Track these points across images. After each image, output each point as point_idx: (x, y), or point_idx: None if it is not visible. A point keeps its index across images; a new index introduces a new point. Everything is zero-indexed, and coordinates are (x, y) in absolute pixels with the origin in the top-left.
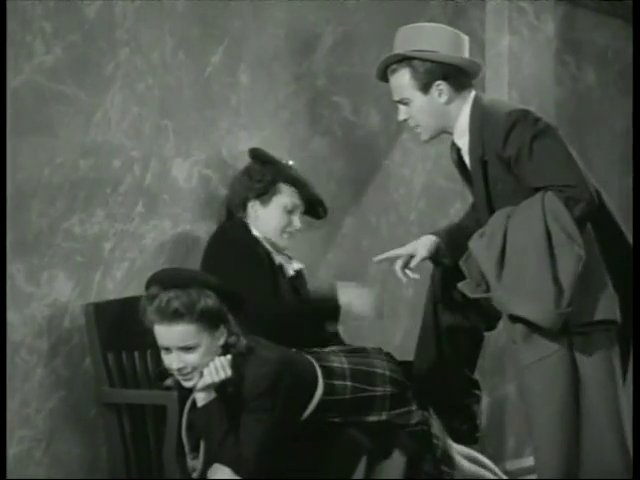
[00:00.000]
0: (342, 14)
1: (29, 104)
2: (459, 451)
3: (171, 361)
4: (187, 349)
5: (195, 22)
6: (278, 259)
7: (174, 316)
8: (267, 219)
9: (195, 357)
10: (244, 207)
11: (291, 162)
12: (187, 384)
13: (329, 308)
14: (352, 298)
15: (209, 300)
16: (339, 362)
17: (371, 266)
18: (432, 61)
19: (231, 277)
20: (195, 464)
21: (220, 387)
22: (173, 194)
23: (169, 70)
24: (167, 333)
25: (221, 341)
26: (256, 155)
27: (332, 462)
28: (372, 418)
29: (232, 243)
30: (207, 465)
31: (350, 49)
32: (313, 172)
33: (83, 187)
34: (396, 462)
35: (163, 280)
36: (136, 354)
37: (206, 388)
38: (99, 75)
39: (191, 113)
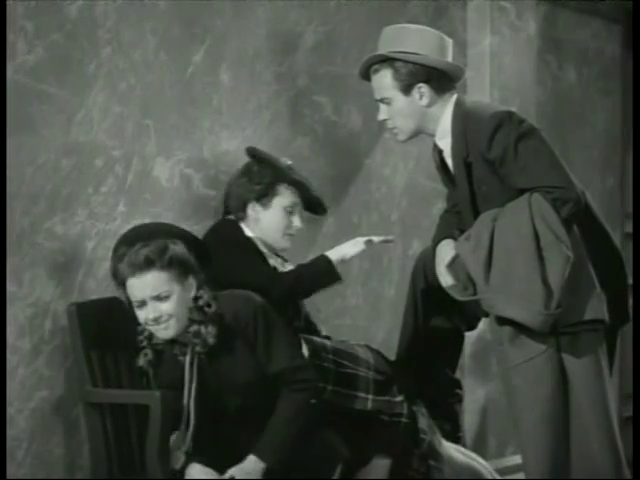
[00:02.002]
0: (323, 14)
1: (11, 103)
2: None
3: (147, 314)
4: (160, 298)
5: (177, 22)
6: (271, 261)
7: (145, 264)
8: (268, 221)
9: (169, 306)
10: (244, 208)
11: (289, 161)
12: (164, 334)
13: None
14: None
15: (177, 247)
16: (320, 339)
17: (353, 266)
18: (415, 63)
19: (229, 269)
20: (179, 455)
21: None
22: (155, 194)
23: (151, 69)
24: (140, 283)
25: (192, 293)
26: (254, 154)
27: (306, 469)
28: (358, 404)
29: (224, 239)
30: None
31: (332, 49)
32: None
33: (65, 187)
34: (381, 461)
35: (128, 238)
36: (119, 354)
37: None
38: (81, 74)
39: (173, 113)
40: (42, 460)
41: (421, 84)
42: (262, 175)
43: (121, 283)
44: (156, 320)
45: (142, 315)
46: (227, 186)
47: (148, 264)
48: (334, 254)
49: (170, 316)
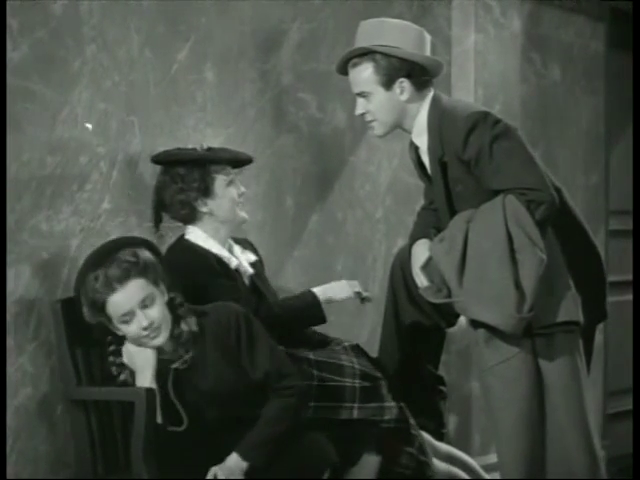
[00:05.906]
0: (308, 11)
1: None
2: (439, 448)
3: (138, 323)
4: (146, 305)
5: (161, 19)
6: (234, 262)
7: (124, 275)
8: (220, 207)
9: (156, 311)
10: (193, 211)
11: (205, 145)
12: (156, 342)
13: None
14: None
15: (145, 252)
16: (303, 352)
17: (337, 263)
18: (398, 57)
19: (205, 298)
20: None
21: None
22: (139, 191)
23: (135, 67)
24: (123, 295)
25: (165, 297)
26: (164, 159)
27: (294, 472)
28: (344, 414)
29: (187, 269)
30: None
31: (316, 46)
32: (279, 169)
33: (50, 184)
34: (371, 459)
35: (92, 262)
36: (104, 351)
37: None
38: (66, 72)
39: (157, 110)
40: (26, 457)
41: (402, 79)
42: (190, 173)
43: (101, 308)
44: (148, 327)
45: (133, 329)
46: (157, 199)
47: (126, 274)
48: (321, 293)
49: (159, 322)
